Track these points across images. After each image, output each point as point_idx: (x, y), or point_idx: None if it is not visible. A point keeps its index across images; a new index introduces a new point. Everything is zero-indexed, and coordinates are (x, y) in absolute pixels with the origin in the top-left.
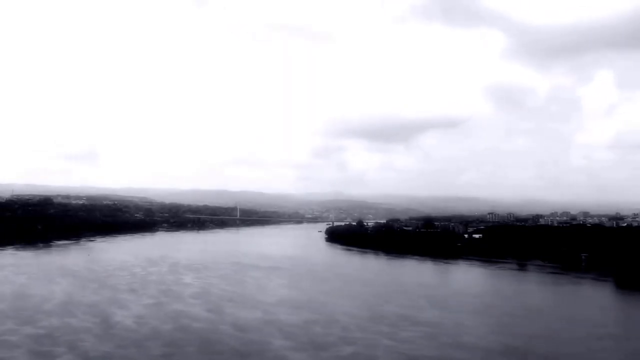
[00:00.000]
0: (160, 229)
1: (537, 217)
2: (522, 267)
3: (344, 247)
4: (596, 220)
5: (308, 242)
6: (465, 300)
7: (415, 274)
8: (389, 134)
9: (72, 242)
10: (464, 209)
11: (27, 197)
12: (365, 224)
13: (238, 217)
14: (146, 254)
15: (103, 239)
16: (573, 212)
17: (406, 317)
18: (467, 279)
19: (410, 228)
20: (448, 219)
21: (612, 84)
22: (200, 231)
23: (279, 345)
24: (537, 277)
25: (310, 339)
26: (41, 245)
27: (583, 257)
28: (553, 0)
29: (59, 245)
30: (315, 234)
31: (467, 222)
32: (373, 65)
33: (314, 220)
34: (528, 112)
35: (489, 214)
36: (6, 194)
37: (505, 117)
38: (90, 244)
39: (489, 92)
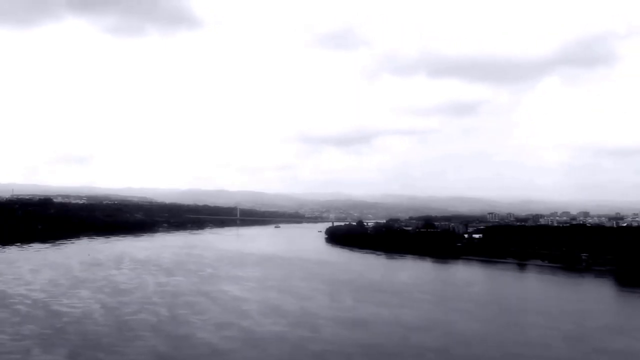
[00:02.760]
0: (160, 229)
1: (537, 217)
2: (522, 267)
3: (345, 247)
4: (596, 220)
5: (313, 242)
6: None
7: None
8: (357, 139)
9: (73, 242)
10: (464, 209)
11: (27, 197)
12: (365, 224)
13: (238, 217)
14: (156, 257)
15: (103, 239)
16: (573, 212)
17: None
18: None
19: (410, 228)
20: (448, 219)
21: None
22: (201, 231)
23: None
24: (544, 277)
25: None
26: (43, 245)
27: (583, 257)
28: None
29: (60, 246)
30: (316, 234)
31: (467, 222)
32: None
33: (314, 220)
34: (474, 121)
35: (489, 214)
36: (6, 194)
37: (458, 126)
38: (92, 244)
39: (436, 105)
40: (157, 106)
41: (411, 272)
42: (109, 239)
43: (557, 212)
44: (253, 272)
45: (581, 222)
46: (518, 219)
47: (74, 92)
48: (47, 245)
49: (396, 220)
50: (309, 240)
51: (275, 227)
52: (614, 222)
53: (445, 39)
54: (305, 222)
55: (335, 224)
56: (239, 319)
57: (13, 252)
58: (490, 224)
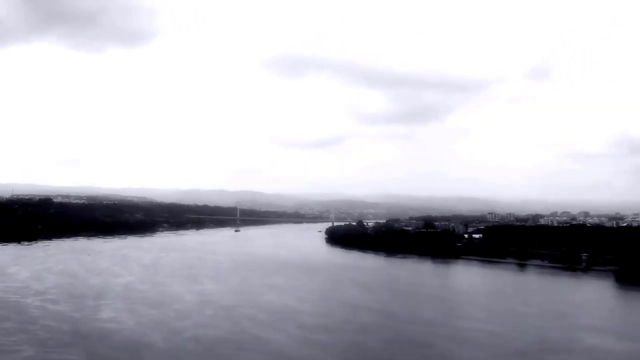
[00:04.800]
0: (160, 229)
1: (537, 217)
2: (522, 267)
3: (345, 248)
4: (596, 220)
5: (315, 243)
6: None
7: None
8: (354, 141)
9: (73, 241)
10: (464, 209)
11: (27, 197)
12: (365, 224)
13: (238, 217)
14: (165, 260)
15: (104, 239)
16: (573, 212)
17: None
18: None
19: (410, 228)
20: (448, 219)
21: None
22: (201, 231)
23: None
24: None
25: None
26: (43, 245)
27: (583, 257)
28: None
29: (60, 246)
30: (316, 234)
31: (467, 222)
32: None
33: (314, 220)
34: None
35: (489, 214)
36: (6, 194)
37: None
38: (92, 245)
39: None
40: (157, 108)
41: (467, 279)
42: (109, 239)
43: (557, 212)
44: (283, 279)
45: (581, 222)
46: (518, 219)
47: (71, 96)
48: (46, 245)
49: (396, 220)
50: (310, 241)
51: (235, 230)
52: (614, 222)
53: (401, 54)
54: (305, 222)
55: (335, 224)
56: (327, 334)
57: (13, 253)
58: (490, 224)
